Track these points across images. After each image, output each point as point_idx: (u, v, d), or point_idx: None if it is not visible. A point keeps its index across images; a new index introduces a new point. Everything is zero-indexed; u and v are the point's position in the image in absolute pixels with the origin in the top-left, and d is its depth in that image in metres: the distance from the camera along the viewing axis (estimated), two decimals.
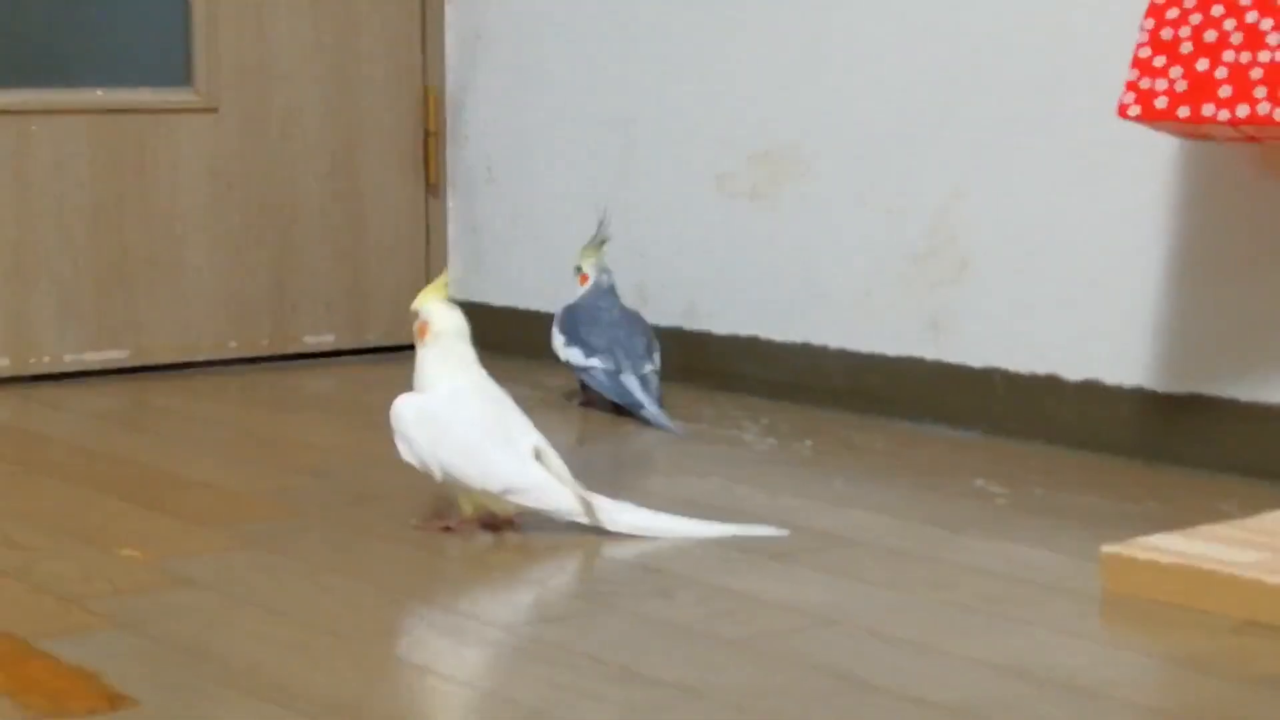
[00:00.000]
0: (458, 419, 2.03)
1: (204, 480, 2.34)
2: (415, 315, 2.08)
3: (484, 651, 1.65)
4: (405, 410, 2.05)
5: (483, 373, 2.09)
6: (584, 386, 2.82)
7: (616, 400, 2.72)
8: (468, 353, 2.07)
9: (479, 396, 2.06)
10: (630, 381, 2.71)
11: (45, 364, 3.05)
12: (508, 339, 3.24)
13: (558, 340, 2.82)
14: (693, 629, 1.70)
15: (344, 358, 3.30)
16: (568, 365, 2.81)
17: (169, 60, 3.16)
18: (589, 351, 2.75)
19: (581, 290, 2.84)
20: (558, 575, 1.91)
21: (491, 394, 2.08)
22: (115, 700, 1.49)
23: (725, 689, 1.53)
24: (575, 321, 2.80)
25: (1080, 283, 2.49)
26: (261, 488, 2.28)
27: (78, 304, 3.07)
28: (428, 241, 3.38)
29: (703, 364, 2.96)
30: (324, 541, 2.03)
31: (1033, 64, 2.52)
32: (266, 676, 1.55)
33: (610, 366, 2.73)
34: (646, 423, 2.67)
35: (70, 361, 3.07)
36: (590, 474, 2.16)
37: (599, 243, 2.83)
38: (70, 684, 1.53)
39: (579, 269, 2.85)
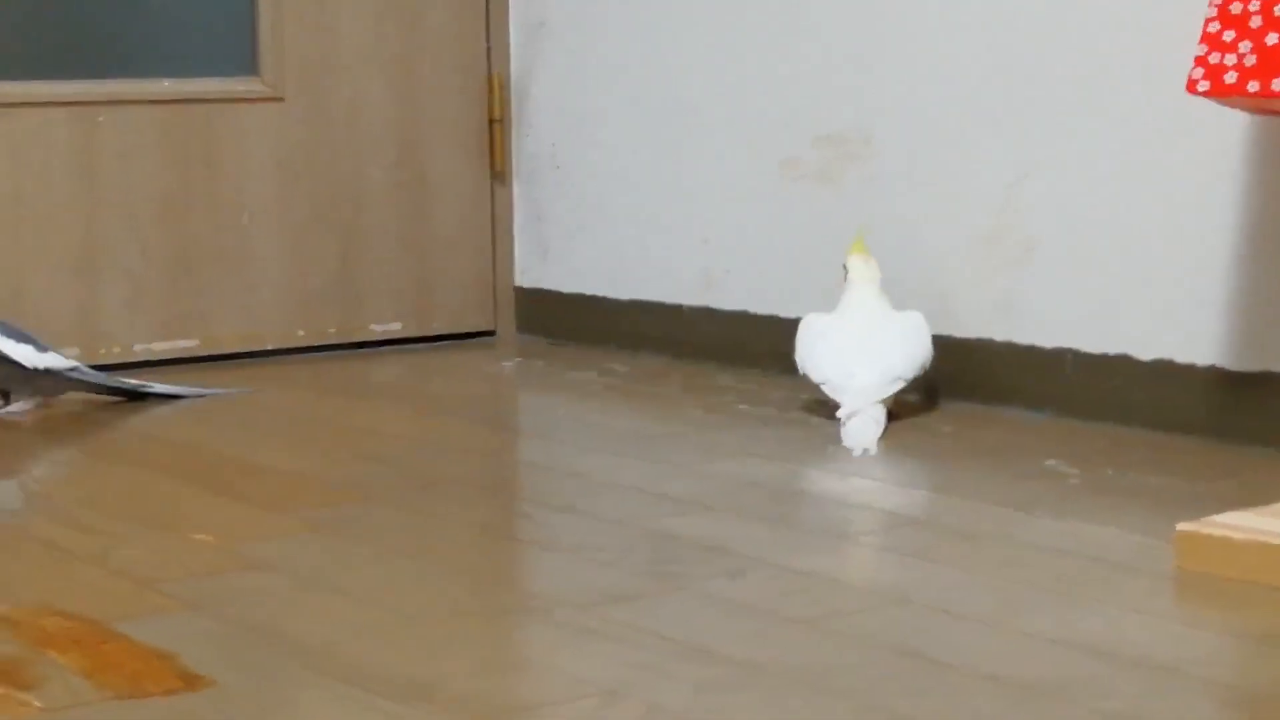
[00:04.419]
0: (822, 330, 2.55)
1: (273, 466, 2.35)
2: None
3: (554, 631, 1.65)
4: (801, 324, 2.60)
5: (871, 309, 2.53)
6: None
7: None
8: (868, 295, 2.55)
9: (847, 322, 2.54)
10: None
11: (115, 354, 3.07)
12: (574, 325, 3.25)
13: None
14: (762, 608, 1.70)
15: (411, 345, 3.31)
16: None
17: (235, 50, 3.17)
18: None
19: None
20: (627, 555, 1.91)
21: (861, 325, 2.53)
22: (192, 680, 1.50)
23: (796, 667, 1.52)
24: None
25: (1150, 261, 2.47)
26: (330, 474, 2.29)
27: (146, 294, 3.09)
28: (493, 229, 3.38)
29: (769, 348, 2.95)
30: (393, 525, 2.04)
31: (1099, 41, 2.50)
32: (341, 657, 1.56)
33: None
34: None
35: (139, 351, 3.09)
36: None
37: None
38: (147, 665, 1.54)
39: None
